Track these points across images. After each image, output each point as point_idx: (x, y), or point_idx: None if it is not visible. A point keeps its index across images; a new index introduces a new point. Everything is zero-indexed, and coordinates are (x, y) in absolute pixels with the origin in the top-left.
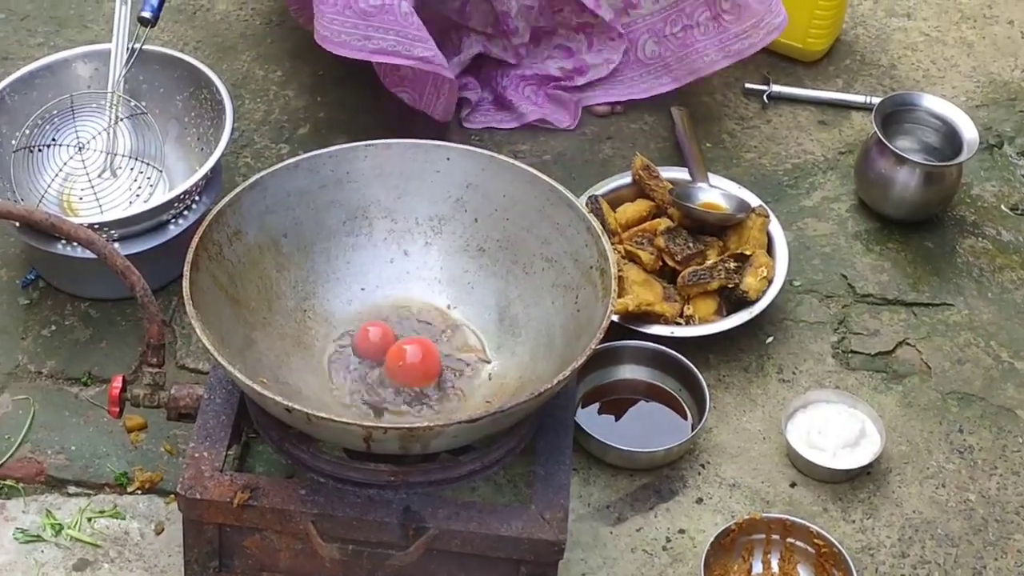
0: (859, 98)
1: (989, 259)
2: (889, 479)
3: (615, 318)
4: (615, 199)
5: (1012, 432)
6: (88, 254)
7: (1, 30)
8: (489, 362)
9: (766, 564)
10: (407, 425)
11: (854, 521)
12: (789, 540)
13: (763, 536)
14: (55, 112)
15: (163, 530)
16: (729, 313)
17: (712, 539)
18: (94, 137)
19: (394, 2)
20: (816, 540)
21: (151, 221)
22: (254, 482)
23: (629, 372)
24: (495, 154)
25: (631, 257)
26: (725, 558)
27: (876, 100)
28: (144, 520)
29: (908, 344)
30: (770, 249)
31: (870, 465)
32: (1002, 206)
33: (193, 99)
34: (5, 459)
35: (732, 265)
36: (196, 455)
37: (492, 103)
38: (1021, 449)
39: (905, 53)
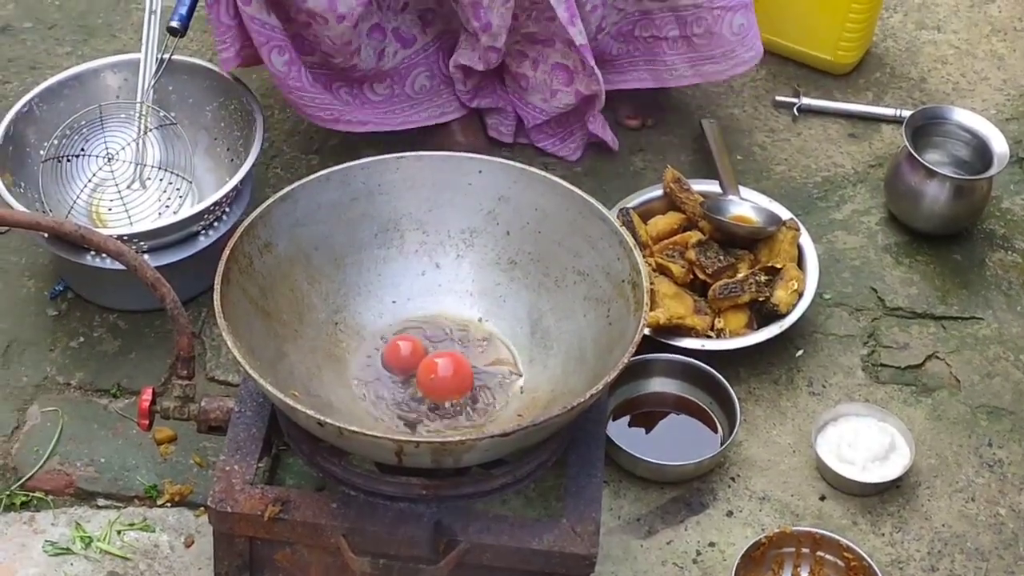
0: (889, 111)
1: (1019, 272)
2: (919, 493)
3: (647, 331)
4: (646, 211)
5: None
6: (117, 265)
7: (29, 39)
8: (521, 375)
9: None
10: (439, 439)
11: (883, 535)
12: (819, 553)
13: (793, 549)
14: (84, 122)
15: (193, 543)
16: (760, 326)
17: (742, 552)
18: (123, 148)
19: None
20: (846, 553)
21: (181, 233)
22: (285, 495)
23: (660, 385)
24: (527, 167)
25: (662, 270)
26: (755, 571)
27: (906, 113)
28: (174, 533)
29: (937, 358)
30: (800, 262)
31: (900, 479)
32: None
33: (223, 109)
34: (34, 471)
35: (763, 278)
36: (227, 468)
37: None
38: None
39: (935, 66)
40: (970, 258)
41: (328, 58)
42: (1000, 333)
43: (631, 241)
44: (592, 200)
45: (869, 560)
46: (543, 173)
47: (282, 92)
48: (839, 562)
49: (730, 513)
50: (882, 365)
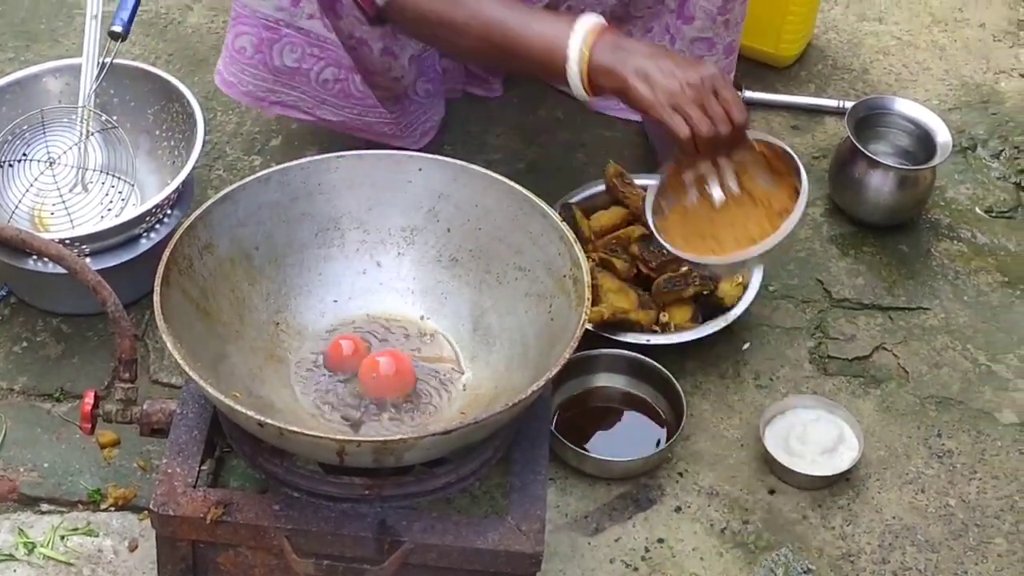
0: (832, 103)
1: (964, 262)
2: (868, 485)
3: (590, 326)
4: (589, 207)
5: (991, 436)
6: (60, 269)
7: None
8: (463, 373)
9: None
10: (380, 438)
11: (834, 528)
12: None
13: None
14: (26, 127)
15: (137, 547)
16: (705, 320)
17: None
18: (65, 152)
19: (311, 68)
20: (762, 148)
21: (122, 235)
22: (228, 497)
23: (605, 380)
24: (467, 164)
25: (605, 265)
26: (679, 191)
27: (849, 104)
28: (118, 537)
29: (885, 349)
30: None
31: (849, 471)
32: (976, 208)
33: (164, 112)
34: None
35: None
36: (169, 471)
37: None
38: (1000, 453)
39: (877, 57)
40: (916, 248)
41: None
42: (947, 323)
43: (571, 236)
44: (532, 196)
45: (784, 145)
46: (483, 170)
47: (351, 123)
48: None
49: (678, 509)
50: (829, 357)
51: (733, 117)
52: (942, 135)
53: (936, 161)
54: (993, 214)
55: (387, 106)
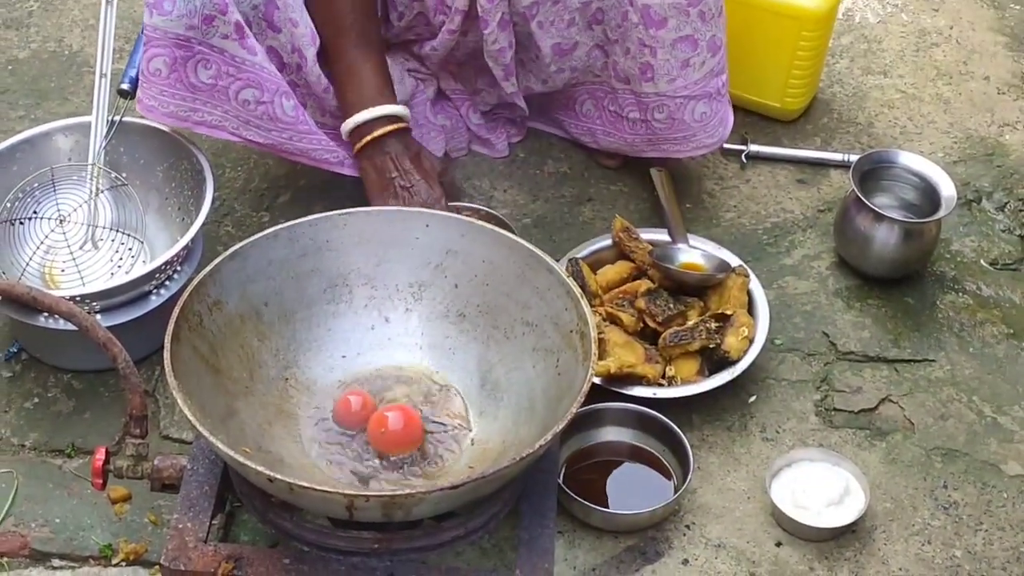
0: (837, 156)
1: (970, 314)
2: (875, 536)
3: (597, 380)
4: (595, 261)
5: (997, 487)
6: (70, 326)
7: None
8: (471, 428)
9: None
10: (389, 493)
11: None
12: None
13: None
14: (36, 185)
15: None
16: (711, 373)
17: None
18: (75, 209)
19: (228, 86)
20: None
21: (132, 292)
22: (238, 552)
23: (612, 434)
24: (474, 221)
25: (612, 319)
26: None
27: (854, 158)
28: None
29: (891, 401)
30: (751, 308)
31: (855, 523)
32: (982, 261)
33: (173, 169)
34: None
35: (713, 325)
36: (180, 526)
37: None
38: (1006, 504)
39: (882, 111)
40: (921, 301)
41: (320, 102)
42: (953, 375)
43: (578, 291)
44: (539, 252)
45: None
46: (490, 226)
47: (282, 146)
48: None
49: (685, 561)
50: (835, 409)
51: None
52: (947, 188)
53: (941, 214)
54: (998, 266)
55: (345, 147)
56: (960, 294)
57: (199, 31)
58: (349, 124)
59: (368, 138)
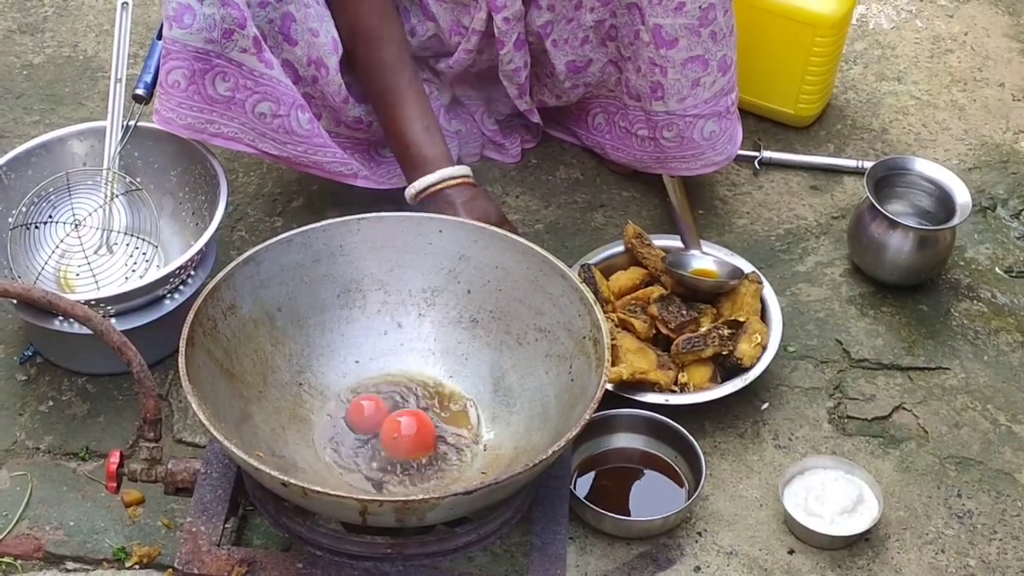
0: (851, 163)
1: (984, 322)
2: (888, 545)
3: (610, 387)
4: (608, 267)
5: (1011, 496)
6: (85, 330)
7: None
8: (484, 433)
9: None
10: (402, 498)
11: None
12: None
13: None
14: (51, 189)
15: None
16: (724, 380)
17: None
18: (90, 214)
19: (245, 99)
20: None
21: (147, 296)
22: (251, 556)
23: (624, 440)
24: (486, 226)
25: (625, 325)
26: None
27: (868, 164)
28: None
29: (904, 409)
30: (764, 315)
31: (868, 531)
32: (996, 268)
33: (187, 174)
34: (3, 535)
35: (726, 332)
36: (193, 529)
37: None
38: (1020, 513)
39: (896, 117)
40: (935, 308)
41: (335, 114)
42: (967, 383)
43: (591, 297)
44: (552, 257)
45: None
46: (503, 232)
47: (297, 159)
48: None
49: (697, 568)
50: (849, 417)
51: None
52: (961, 195)
53: (955, 221)
54: (1013, 274)
55: (358, 157)
56: (975, 302)
57: (218, 44)
58: (416, 187)
59: (432, 190)
